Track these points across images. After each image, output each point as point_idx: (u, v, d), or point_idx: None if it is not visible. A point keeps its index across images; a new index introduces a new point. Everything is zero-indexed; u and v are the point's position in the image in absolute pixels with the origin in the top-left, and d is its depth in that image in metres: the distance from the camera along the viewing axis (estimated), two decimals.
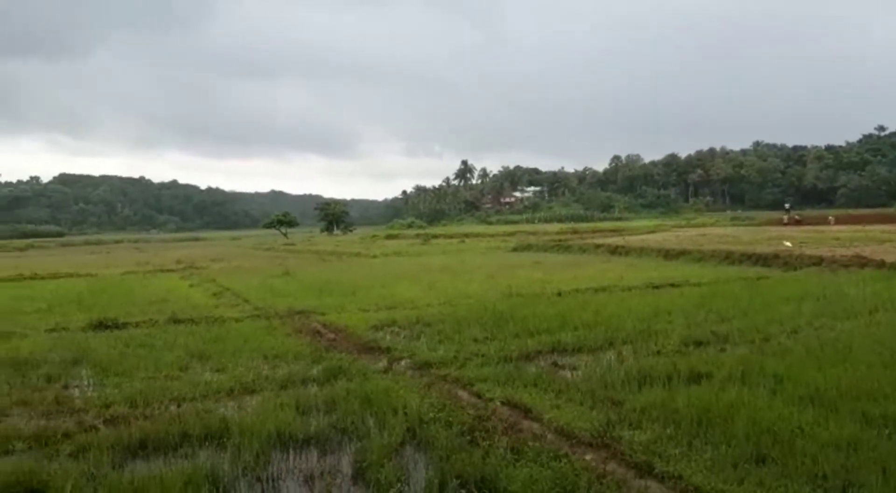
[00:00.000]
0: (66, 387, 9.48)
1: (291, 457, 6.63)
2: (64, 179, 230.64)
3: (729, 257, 27.22)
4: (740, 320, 12.77)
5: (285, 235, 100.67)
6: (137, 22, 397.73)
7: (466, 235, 70.28)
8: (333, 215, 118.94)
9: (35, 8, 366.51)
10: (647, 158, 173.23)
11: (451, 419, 7.25)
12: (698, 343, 10.83)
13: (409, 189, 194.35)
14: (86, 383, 9.78)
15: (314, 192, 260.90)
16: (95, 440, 6.93)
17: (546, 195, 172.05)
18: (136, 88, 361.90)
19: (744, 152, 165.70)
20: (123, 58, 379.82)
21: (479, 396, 8.35)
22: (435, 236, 72.15)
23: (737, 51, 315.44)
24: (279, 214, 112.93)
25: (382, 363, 10.36)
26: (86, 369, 10.54)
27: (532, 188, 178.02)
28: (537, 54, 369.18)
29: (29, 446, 7.01)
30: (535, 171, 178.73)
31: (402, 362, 10.41)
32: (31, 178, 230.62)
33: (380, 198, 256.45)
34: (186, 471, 5.93)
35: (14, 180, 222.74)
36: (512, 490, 5.60)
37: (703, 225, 66.14)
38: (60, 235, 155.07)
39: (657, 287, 18.92)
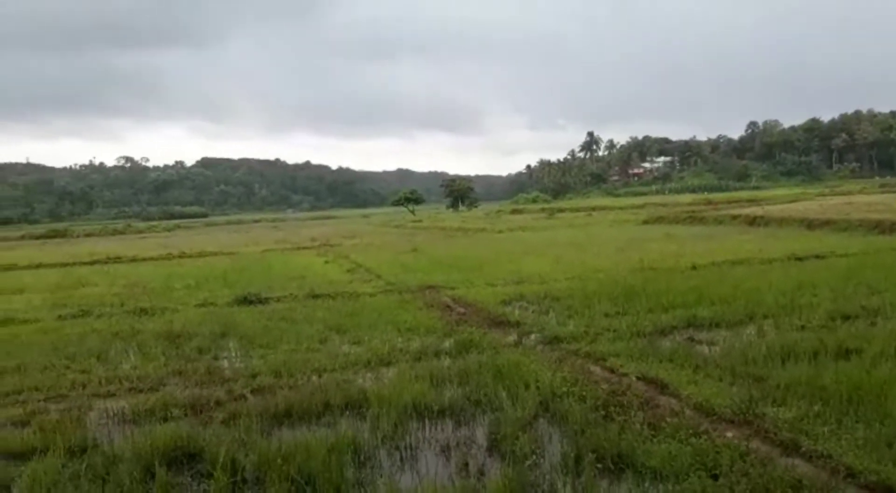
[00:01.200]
0: (215, 358, 10.10)
1: (427, 427, 6.79)
2: (206, 163, 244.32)
3: (879, 227, 25.41)
4: (893, 292, 11.91)
5: (412, 212, 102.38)
6: (269, 12, 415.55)
7: (593, 209, 69.08)
8: (459, 192, 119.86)
9: (177, 3, 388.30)
10: (786, 124, 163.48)
11: (584, 393, 7.19)
12: (846, 317, 10.22)
13: (533, 163, 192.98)
14: (233, 354, 10.39)
15: (440, 169, 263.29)
16: (244, 408, 7.36)
17: (677, 165, 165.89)
18: (270, 75, 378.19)
19: (894, 114, 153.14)
20: (257, 47, 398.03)
21: (612, 371, 8.24)
22: (560, 210, 71.35)
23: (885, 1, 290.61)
24: (406, 191, 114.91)
25: (512, 338, 10.40)
26: (233, 341, 11.20)
27: (662, 158, 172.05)
28: (665, 21, 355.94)
29: (185, 413, 7.52)
30: (665, 140, 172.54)
31: (532, 337, 10.41)
32: (177, 162, 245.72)
33: (503, 173, 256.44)
34: (330, 439, 6.19)
35: (161, 165, 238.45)
36: (650, 466, 5.51)
37: (849, 193, 61.87)
38: (204, 215, 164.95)
39: (800, 259, 17.94)
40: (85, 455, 6.31)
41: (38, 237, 76.04)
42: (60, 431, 6.82)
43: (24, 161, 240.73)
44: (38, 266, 30.01)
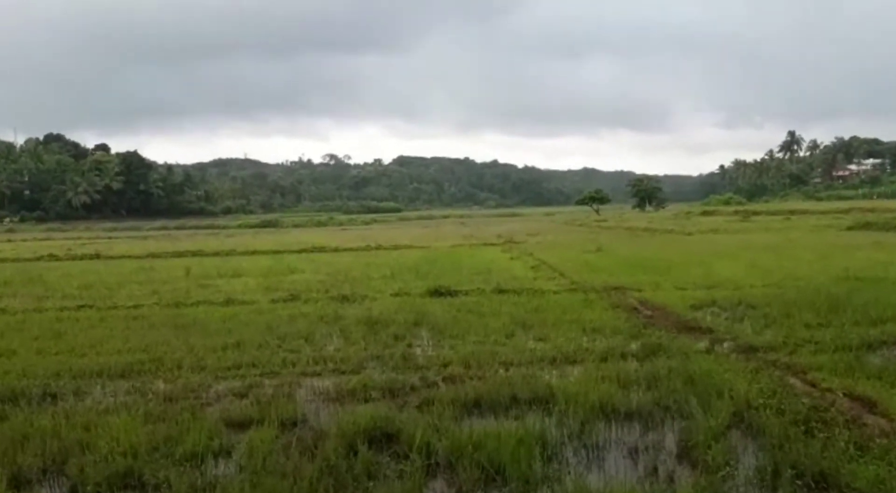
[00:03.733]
0: (409, 346, 10.52)
1: (614, 429, 6.68)
2: (401, 161, 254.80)
3: None
4: None
5: (597, 211, 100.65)
6: (458, 14, 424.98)
7: (791, 212, 64.27)
8: (645, 192, 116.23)
9: (370, 8, 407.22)
10: None
11: (782, 406, 6.76)
12: None
13: (727, 163, 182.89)
14: (426, 343, 10.78)
15: (625, 168, 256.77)
16: (437, 395, 7.62)
17: (888, 168, 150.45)
18: (460, 75, 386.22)
19: None
20: (448, 48, 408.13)
21: (813, 385, 7.67)
22: (756, 213, 67.06)
23: None
24: (591, 191, 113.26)
25: (704, 344, 9.96)
26: (425, 330, 11.62)
27: (871, 161, 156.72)
28: (874, 13, 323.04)
29: (382, 395, 7.92)
30: (875, 141, 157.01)
31: (725, 345, 9.92)
32: (375, 160, 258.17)
33: (693, 173, 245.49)
34: (518, 431, 6.26)
35: (361, 162, 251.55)
36: (855, 488, 5.09)
37: None
38: (398, 210, 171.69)
39: None
40: (295, 429, 6.82)
41: (252, 226, 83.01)
42: (274, 405, 7.39)
43: (242, 157, 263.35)
44: (254, 253, 32.68)
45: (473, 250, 30.77)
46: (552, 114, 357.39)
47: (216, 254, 32.39)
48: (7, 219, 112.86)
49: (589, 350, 9.61)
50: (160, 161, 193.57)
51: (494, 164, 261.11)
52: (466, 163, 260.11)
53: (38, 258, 31.87)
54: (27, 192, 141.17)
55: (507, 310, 13.15)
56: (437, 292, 15.75)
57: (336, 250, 33.30)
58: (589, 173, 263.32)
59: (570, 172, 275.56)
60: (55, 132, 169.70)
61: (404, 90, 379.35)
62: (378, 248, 33.85)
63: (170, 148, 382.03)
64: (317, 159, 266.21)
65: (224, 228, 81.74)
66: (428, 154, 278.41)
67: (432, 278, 18.69)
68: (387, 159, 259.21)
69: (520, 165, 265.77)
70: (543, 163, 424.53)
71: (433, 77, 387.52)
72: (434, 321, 12.10)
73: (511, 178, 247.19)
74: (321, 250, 33.38)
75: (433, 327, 11.73)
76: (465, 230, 54.12)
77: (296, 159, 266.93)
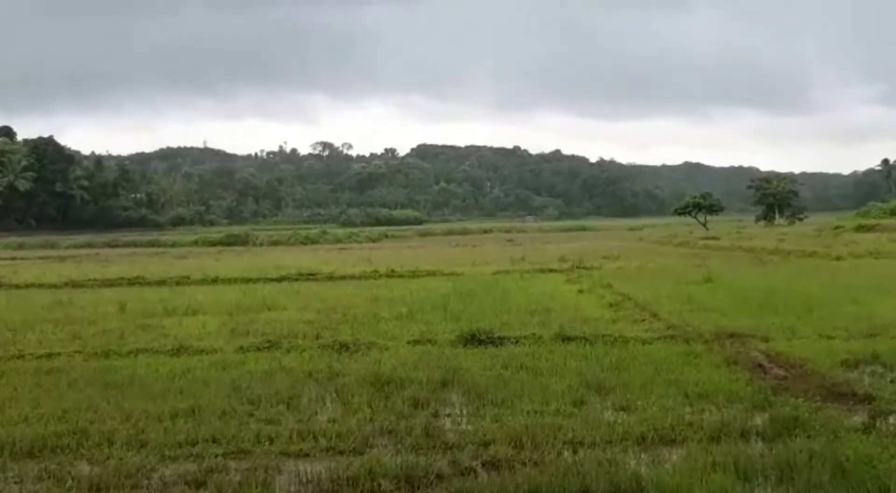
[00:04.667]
0: (435, 415, 10.54)
1: None
2: (422, 152, 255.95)
3: None
4: None
5: (704, 224, 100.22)
6: None
7: None
8: (775, 197, 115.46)
9: None
10: None
11: None
12: None
13: (893, 156, 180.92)
14: (458, 411, 10.80)
15: (745, 163, 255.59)
16: (475, 487, 7.62)
17: None
18: (506, 34, 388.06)
19: None
20: None
21: None
22: None
23: None
24: (696, 195, 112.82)
25: (860, 418, 9.85)
26: (457, 393, 11.63)
27: None
28: None
29: (396, 485, 7.93)
30: None
31: (892, 419, 9.79)
32: (386, 150, 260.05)
33: (844, 170, 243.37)
34: None
35: (367, 154, 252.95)
36: None
37: None
38: (419, 221, 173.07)
39: None
40: None
41: (213, 244, 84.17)
42: None
43: (200, 146, 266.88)
44: (215, 281, 33.07)
45: (526, 279, 30.76)
46: (640, 86, 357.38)
47: (162, 283, 32.80)
48: None
49: (693, 425, 9.54)
50: (85, 151, 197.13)
51: (556, 156, 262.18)
52: (515, 155, 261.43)
53: None
54: None
55: (574, 366, 13.14)
56: (473, 339, 15.75)
57: (331, 277, 33.52)
58: (692, 170, 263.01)
59: (664, 168, 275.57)
60: None
61: (426, 53, 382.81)
62: (390, 275, 34.00)
63: (97, 133, 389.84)
64: (304, 149, 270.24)
65: (174, 245, 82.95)
66: (461, 142, 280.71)
67: (467, 318, 18.73)
68: (402, 150, 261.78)
69: (592, 159, 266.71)
70: (626, 155, 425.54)
71: (467, 34, 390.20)
72: (469, 381, 12.11)
73: (580, 175, 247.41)
74: (310, 277, 33.64)
75: (468, 389, 11.73)
76: (514, 251, 54.10)
77: (274, 149, 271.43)
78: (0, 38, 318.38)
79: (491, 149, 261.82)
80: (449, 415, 10.61)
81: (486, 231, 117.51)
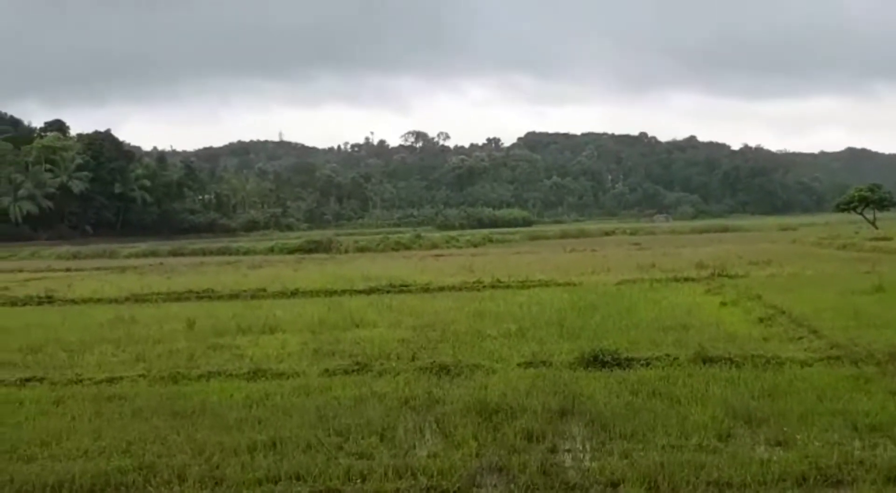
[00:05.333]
0: (552, 450, 10.49)
1: None
2: (531, 141, 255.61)
3: None
4: None
5: (873, 222, 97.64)
6: None
7: None
8: None
9: None
10: None
11: None
12: None
13: None
14: (579, 446, 10.74)
15: None
16: None
17: None
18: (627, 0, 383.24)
19: None
20: None
21: None
22: None
23: None
24: (861, 187, 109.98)
25: None
26: (578, 424, 11.57)
27: None
28: None
29: None
30: None
31: None
32: (489, 140, 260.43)
33: None
34: None
35: (466, 144, 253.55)
36: None
37: None
38: (527, 222, 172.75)
39: None
40: None
41: (292, 251, 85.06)
42: None
43: (275, 139, 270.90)
44: (294, 294, 33.44)
45: (656, 290, 30.40)
46: (790, 59, 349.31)
47: (235, 296, 33.37)
48: None
49: (865, 464, 9.34)
50: (146, 147, 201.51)
51: (690, 143, 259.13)
52: (642, 143, 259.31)
53: None
54: None
55: (717, 392, 12.96)
56: (595, 361, 15.66)
57: (427, 288, 33.61)
58: (856, 158, 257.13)
59: (822, 155, 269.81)
60: None
61: (532, 26, 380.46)
62: (495, 285, 33.96)
63: (158, 126, 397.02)
64: (394, 141, 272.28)
65: (247, 253, 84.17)
66: (576, 129, 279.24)
67: (587, 336, 18.66)
68: (507, 139, 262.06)
69: (734, 146, 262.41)
70: (775, 141, 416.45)
71: (580, 2, 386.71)
72: (593, 410, 12.05)
73: (720, 166, 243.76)
74: (403, 288, 33.76)
75: (591, 419, 11.67)
76: (642, 256, 53.55)
77: (359, 141, 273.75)
78: (49, 24, 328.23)
79: (612, 136, 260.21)
80: (569, 450, 10.55)
81: (607, 233, 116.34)
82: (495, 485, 9.26)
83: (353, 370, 15.87)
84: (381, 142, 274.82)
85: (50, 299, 33.81)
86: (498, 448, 10.51)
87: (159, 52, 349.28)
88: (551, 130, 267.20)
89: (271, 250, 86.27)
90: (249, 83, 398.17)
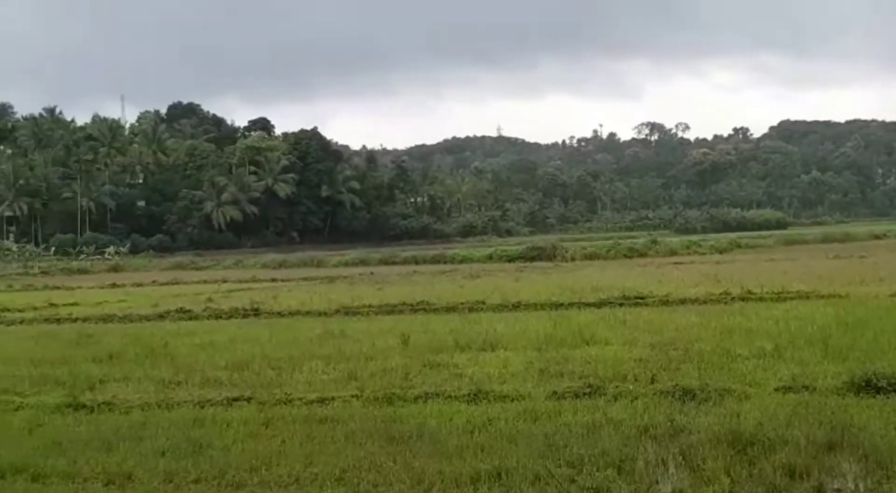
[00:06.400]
0: (819, 489, 10.19)
1: None
2: (785, 131, 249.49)
3: None
4: None
5: None
6: None
7: None
8: None
9: None
10: None
11: None
12: None
13: None
14: (851, 485, 10.38)
15: None
16: None
17: None
18: None
19: None
20: None
21: None
22: None
23: None
24: None
25: None
26: (848, 460, 11.20)
27: None
28: None
29: None
30: None
31: None
32: (735, 131, 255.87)
33: None
34: None
35: (709, 137, 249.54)
36: None
37: None
38: (782, 224, 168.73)
39: None
40: None
41: (512, 258, 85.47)
42: None
43: (493, 134, 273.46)
44: (516, 306, 33.54)
45: None
46: None
47: (451, 309, 33.72)
48: (111, 248, 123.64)
49: None
50: (354, 146, 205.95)
51: None
52: None
53: (162, 316, 35.23)
54: (141, 202, 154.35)
55: None
56: (868, 386, 15.13)
57: (665, 301, 33.20)
58: None
59: None
60: (184, 101, 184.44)
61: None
62: (745, 298, 33.27)
63: (366, 122, 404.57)
64: (625, 133, 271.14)
65: (464, 261, 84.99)
66: (838, 116, 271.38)
67: (857, 357, 18.09)
68: (757, 129, 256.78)
69: None
70: None
71: None
72: (866, 443, 11.65)
73: None
74: (638, 301, 33.43)
75: (865, 454, 11.29)
76: None
77: (586, 135, 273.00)
78: (248, 15, 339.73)
79: (882, 124, 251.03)
80: (839, 490, 10.25)
81: (877, 237, 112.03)
82: None
83: (584, 393, 15.80)
84: (611, 135, 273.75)
85: (256, 312, 35.05)
86: (755, 486, 10.30)
87: (365, 43, 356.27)
88: (809, 118, 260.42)
89: (489, 258, 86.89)
90: (464, 74, 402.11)
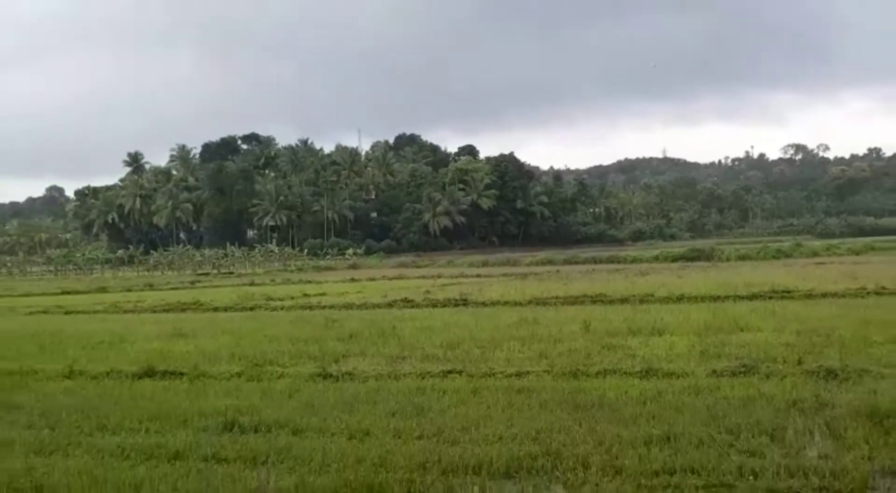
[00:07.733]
0: None
1: None
2: None
3: None
4: None
5: None
6: None
7: None
8: None
9: None
10: None
11: None
12: None
13: None
14: None
15: None
16: None
17: None
18: None
19: None
20: None
21: None
22: None
23: None
24: None
25: None
26: None
27: None
28: None
29: None
30: None
31: None
32: (870, 150, 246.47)
33: None
34: None
35: (846, 155, 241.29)
36: None
37: None
38: None
39: None
40: None
41: (675, 259, 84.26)
42: None
43: (659, 156, 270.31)
44: (680, 299, 33.04)
45: None
46: None
47: (625, 300, 33.42)
48: (350, 250, 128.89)
49: None
50: (543, 167, 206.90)
51: None
52: None
53: (390, 304, 35.95)
54: (373, 214, 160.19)
55: None
56: None
57: (809, 295, 32.24)
58: None
59: None
60: (407, 132, 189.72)
61: None
62: (880, 292, 32.07)
63: (554, 147, 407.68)
64: (773, 154, 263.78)
65: (634, 260, 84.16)
66: None
67: None
68: (889, 148, 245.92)
69: None
70: None
71: None
72: None
73: None
74: (785, 294, 32.57)
75: None
76: None
77: (739, 155, 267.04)
78: (459, 59, 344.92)
79: None
80: None
81: None
82: (889, 488, 8.72)
83: (739, 372, 15.49)
84: (761, 155, 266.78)
85: (464, 302, 35.38)
86: (891, 452, 9.93)
87: (551, 78, 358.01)
88: None
89: (656, 258, 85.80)
90: (634, 104, 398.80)
